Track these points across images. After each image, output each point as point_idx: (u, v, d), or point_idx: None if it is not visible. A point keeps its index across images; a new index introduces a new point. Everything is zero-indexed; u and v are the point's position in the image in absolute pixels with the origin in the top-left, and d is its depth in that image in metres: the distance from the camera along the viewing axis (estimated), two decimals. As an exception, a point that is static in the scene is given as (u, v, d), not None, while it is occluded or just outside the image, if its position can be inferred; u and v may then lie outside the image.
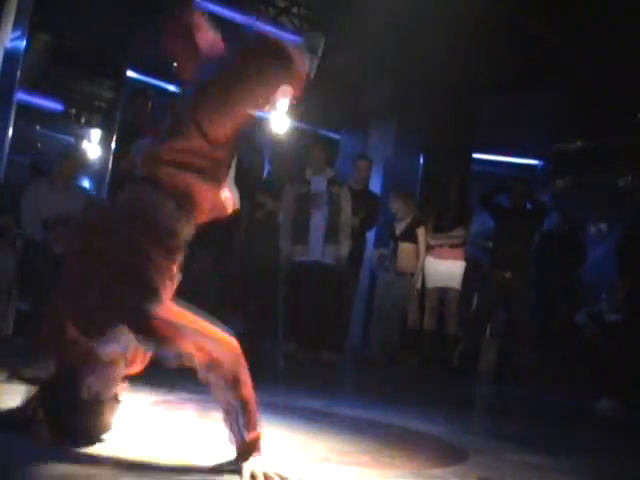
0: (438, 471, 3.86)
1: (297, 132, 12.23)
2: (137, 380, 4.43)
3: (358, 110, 12.83)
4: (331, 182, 9.22)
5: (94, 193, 10.21)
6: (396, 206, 10.22)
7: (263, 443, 3.27)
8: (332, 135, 13.26)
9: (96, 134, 11.08)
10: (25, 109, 10.27)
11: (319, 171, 9.26)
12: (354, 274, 9.81)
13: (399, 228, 10.19)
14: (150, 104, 9.66)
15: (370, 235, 10.42)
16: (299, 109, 12.45)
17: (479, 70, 11.00)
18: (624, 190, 12.27)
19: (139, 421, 4.01)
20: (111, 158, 10.50)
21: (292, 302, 9.01)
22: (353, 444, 4.23)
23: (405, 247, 10.10)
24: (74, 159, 7.96)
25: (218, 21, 11.30)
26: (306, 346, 9.01)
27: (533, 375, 9.59)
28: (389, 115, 12.75)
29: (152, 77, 11.57)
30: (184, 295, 3.47)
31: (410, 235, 10.11)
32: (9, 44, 10.15)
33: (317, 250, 9.03)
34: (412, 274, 10.11)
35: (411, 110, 12.27)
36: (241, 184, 9.10)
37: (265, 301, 8.71)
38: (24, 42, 9.98)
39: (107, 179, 10.50)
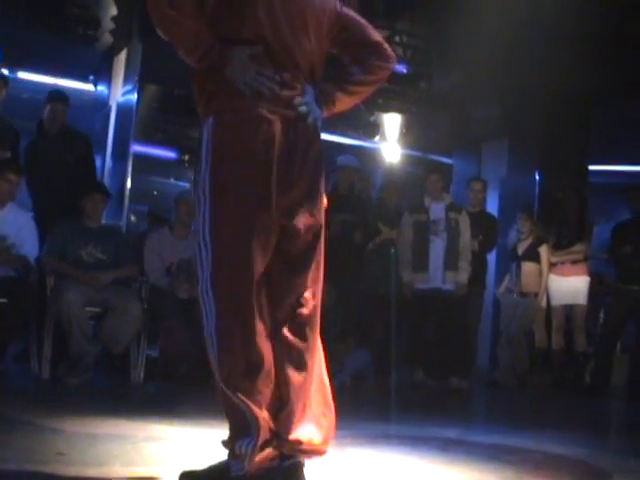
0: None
1: (409, 159, 12.26)
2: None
3: (469, 132, 12.78)
4: (449, 208, 9.19)
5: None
6: (525, 225, 10.09)
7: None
8: (444, 160, 13.22)
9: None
10: (140, 160, 10.51)
11: (437, 198, 9.24)
12: (477, 298, 9.74)
13: (521, 248, 10.06)
14: None
15: (490, 257, 10.32)
16: (409, 136, 12.52)
17: (590, 80, 10.83)
18: None
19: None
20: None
21: (416, 330, 9.02)
22: (491, 472, 4.16)
23: (528, 267, 9.97)
24: (189, 204, 8.10)
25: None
26: (434, 374, 8.97)
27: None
28: (500, 134, 12.65)
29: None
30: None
31: (533, 254, 9.98)
32: (121, 98, 10.45)
33: (437, 277, 9.01)
34: (536, 294, 9.97)
35: (522, 127, 12.17)
36: (357, 214, 9.22)
37: (388, 331, 8.70)
38: (135, 95, 10.23)
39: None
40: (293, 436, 3.23)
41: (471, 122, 12.64)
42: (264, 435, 3.18)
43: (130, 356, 7.48)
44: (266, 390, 3.25)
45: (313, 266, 3.42)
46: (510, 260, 10.24)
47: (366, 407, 7.51)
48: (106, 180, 10.12)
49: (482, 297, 10.00)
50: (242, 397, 3.18)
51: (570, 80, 10.76)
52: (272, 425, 3.22)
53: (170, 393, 7.27)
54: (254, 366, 3.23)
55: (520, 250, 10.06)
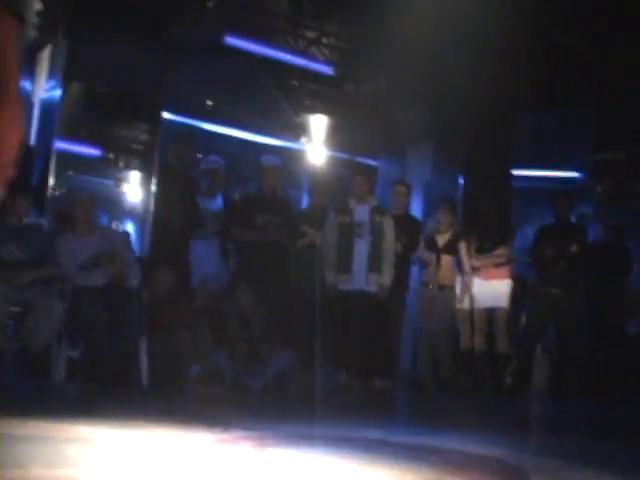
0: (502, 495, 3.81)
1: (335, 161, 12.29)
2: (193, 419, 4.44)
3: (394, 135, 12.86)
4: (374, 210, 9.24)
5: (125, 231, 10.36)
6: (446, 217, 10.16)
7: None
8: (370, 162, 13.28)
9: (135, 177, 11.19)
10: (64, 157, 10.40)
11: (362, 200, 9.28)
12: (400, 300, 9.82)
13: (441, 240, 10.13)
14: (193, 147, 9.68)
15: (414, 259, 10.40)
16: (335, 138, 12.57)
17: (514, 86, 10.97)
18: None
19: (196, 461, 4.00)
20: (152, 199, 10.59)
21: (339, 331, 9.03)
22: (412, 472, 4.18)
23: (446, 260, 10.07)
24: (84, 201, 8.13)
25: (249, 56, 11.49)
26: (357, 375, 9.01)
27: (586, 389, 9.51)
28: (425, 138, 12.76)
29: (187, 117, 11.66)
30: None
31: (452, 248, 10.07)
32: (44, 95, 10.31)
33: (361, 279, 9.05)
34: (452, 287, 10.05)
35: (447, 132, 12.28)
36: (281, 215, 9.25)
37: (312, 332, 8.71)
38: (59, 92, 10.12)
39: (149, 220, 10.59)
40: None
41: (397, 125, 12.72)
42: None
43: (51, 356, 7.39)
44: None
45: None
46: (427, 248, 10.24)
47: (289, 408, 7.51)
48: (27, 178, 10.00)
49: (405, 299, 10.08)
50: None
51: (494, 86, 10.88)
52: None
53: (91, 394, 7.19)
54: None
55: (440, 242, 10.13)
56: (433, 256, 10.12)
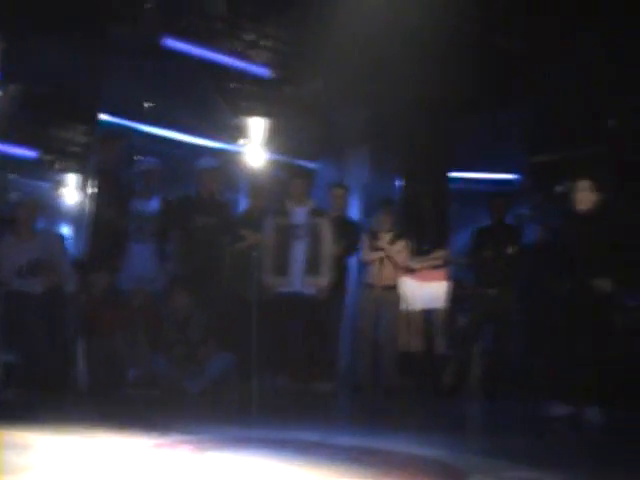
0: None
1: (273, 164, 12.26)
2: (131, 423, 4.39)
3: (333, 138, 12.86)
4: (312, 213, 9.26)
5: (65, 235, 10.28)
6: (386, 218, 10.14)
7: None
8: (308, 164, 13.26)
9: (72, 179, 11.09)
10: (0, 159, 10.29)
11: (300, 202, 9.30)
12: (338, 301, 9.82)
13: (383, 241, 10.08)
14: (120, 146, 9.67)
15: (352, 261, 10.41)
16: (274, 141, 12.55)
17: (452, 89, 11.04)
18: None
19: (135, 465, 3.98)
20: (88, 202, 10.50)
21: (277, 334, 9.01)
22: (351, 473, 4.20)
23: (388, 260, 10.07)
24: (26, 205, 8.10)
25: (187, 59, 11.40)
26: (296, 378, 8.99)
27: (524, 389, 9.60)
28: (363, 141, 12.79)
29: (125, 119, 11.57)
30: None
31: (393, 249, 10.07)
32: (-22, 95, 10.19)
33: (298, 281, 9.06)
34: (397, 287, 10.04)
35: (384, 135, 12.31)
36: (217, 216, 9.21)
37: (250, 335, 8.69)
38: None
39: (85, 223, 10.50)
40: None
41: (335, 128, 12.72)
42: None
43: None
44: None
45: None
46: (370, 249, 10.20)
47: (227, 411, 7.49)
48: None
49: (343, 301, 10.08)
50: None
51: (431, 89, 10.94)
52: None
53: (29, 399, 7.11)
54: None
55: (384, 241, 10.13)
56: (376, 257, 10.08)
